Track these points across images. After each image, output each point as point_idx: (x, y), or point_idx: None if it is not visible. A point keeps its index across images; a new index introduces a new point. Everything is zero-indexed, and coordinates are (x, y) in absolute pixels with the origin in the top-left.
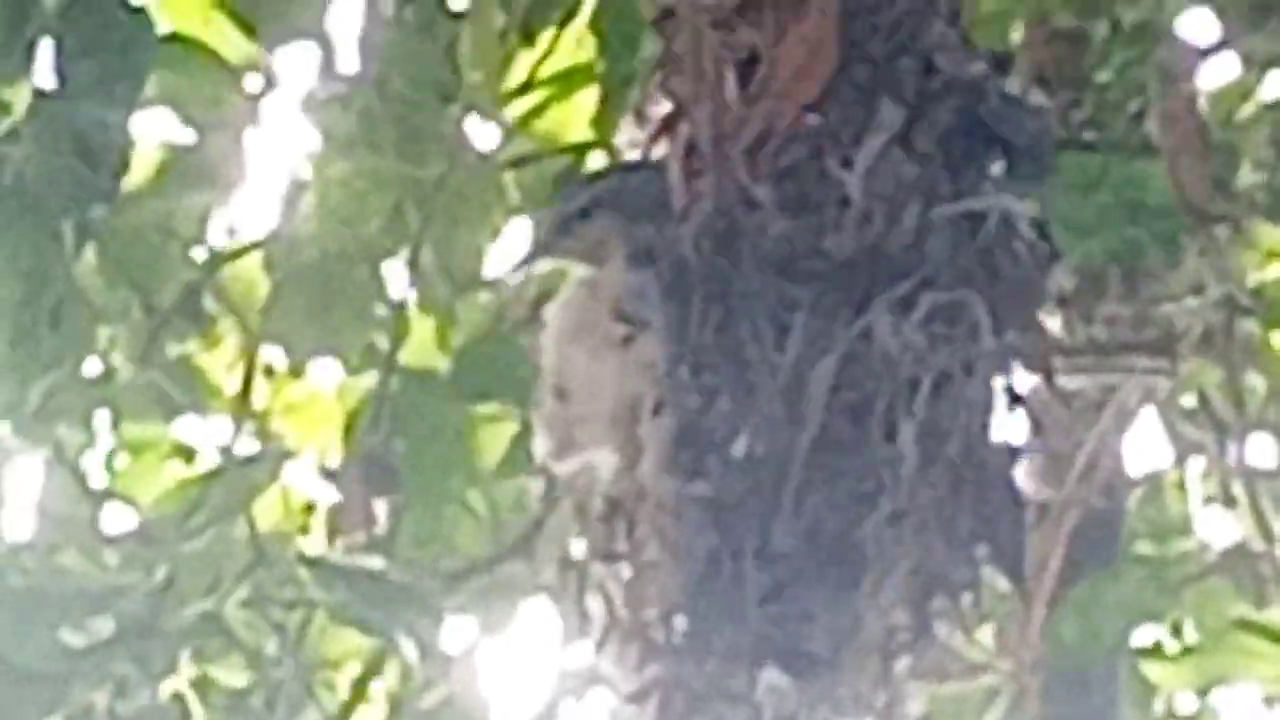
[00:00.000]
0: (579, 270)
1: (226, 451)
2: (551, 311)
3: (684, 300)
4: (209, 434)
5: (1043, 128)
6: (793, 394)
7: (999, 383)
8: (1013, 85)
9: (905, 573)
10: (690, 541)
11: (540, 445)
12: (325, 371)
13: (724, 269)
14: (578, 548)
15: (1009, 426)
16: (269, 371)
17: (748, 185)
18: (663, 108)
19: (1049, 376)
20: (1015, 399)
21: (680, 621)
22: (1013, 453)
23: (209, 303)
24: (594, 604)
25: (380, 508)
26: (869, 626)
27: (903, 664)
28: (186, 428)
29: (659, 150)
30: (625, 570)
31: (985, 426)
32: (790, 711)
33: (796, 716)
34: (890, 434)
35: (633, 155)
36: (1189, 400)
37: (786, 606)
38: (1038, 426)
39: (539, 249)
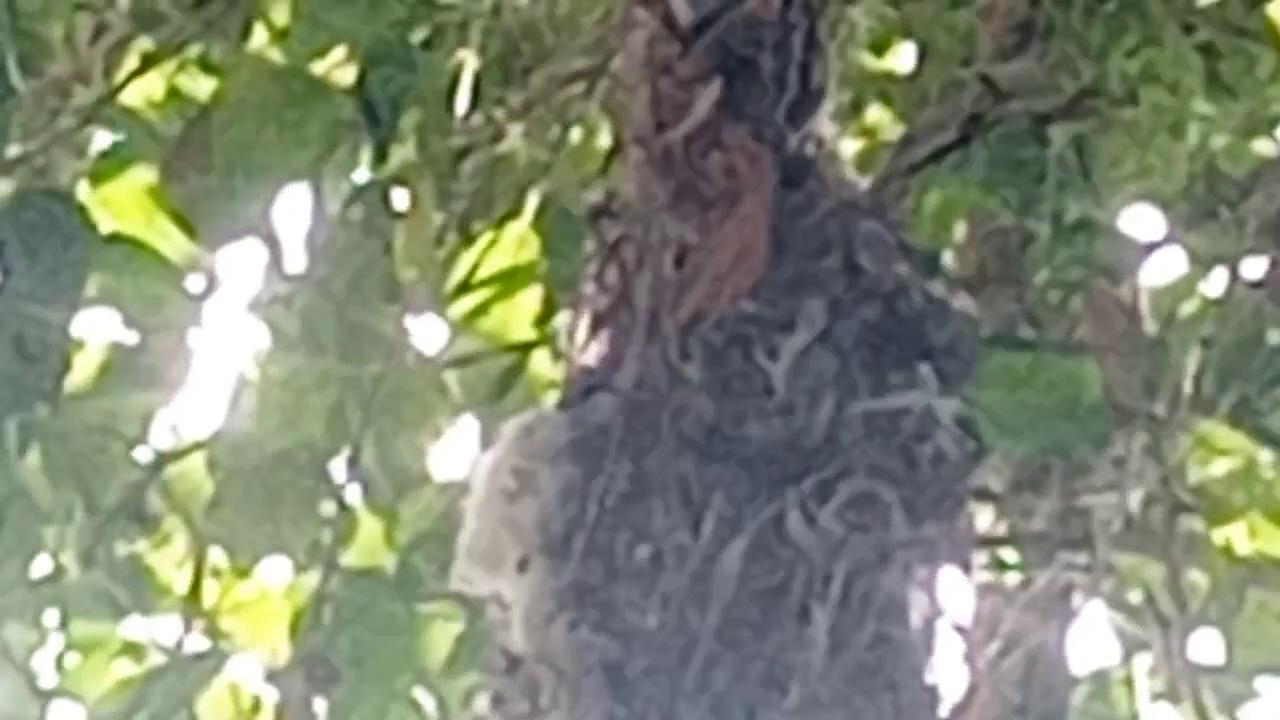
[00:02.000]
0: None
1: (173, 650)
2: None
3: (594, 465)
4: (159, 633)
5: (965, 331)
6: (703, 576)
7: (916, 574)
8: (937, 288)
9: None
10: (590, 711)
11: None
12: (274, 570)
13: (642, 440)
14: (482, 703)
15: (925, 619)
16: (218, 571)
17: (677, 363)
18: (597, 301)
19: (966, 569)
20: (933, 593)
21: None
22: (926, 644)
23: (155, 502)
24: None
25: (321, 706)
26: None
27: None
28: (136, 627)
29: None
30: None
31: (899, 618)
32: None
33: None
34: (802, 621)
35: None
36: (1135, 597)
37: None
38: (955, 619)
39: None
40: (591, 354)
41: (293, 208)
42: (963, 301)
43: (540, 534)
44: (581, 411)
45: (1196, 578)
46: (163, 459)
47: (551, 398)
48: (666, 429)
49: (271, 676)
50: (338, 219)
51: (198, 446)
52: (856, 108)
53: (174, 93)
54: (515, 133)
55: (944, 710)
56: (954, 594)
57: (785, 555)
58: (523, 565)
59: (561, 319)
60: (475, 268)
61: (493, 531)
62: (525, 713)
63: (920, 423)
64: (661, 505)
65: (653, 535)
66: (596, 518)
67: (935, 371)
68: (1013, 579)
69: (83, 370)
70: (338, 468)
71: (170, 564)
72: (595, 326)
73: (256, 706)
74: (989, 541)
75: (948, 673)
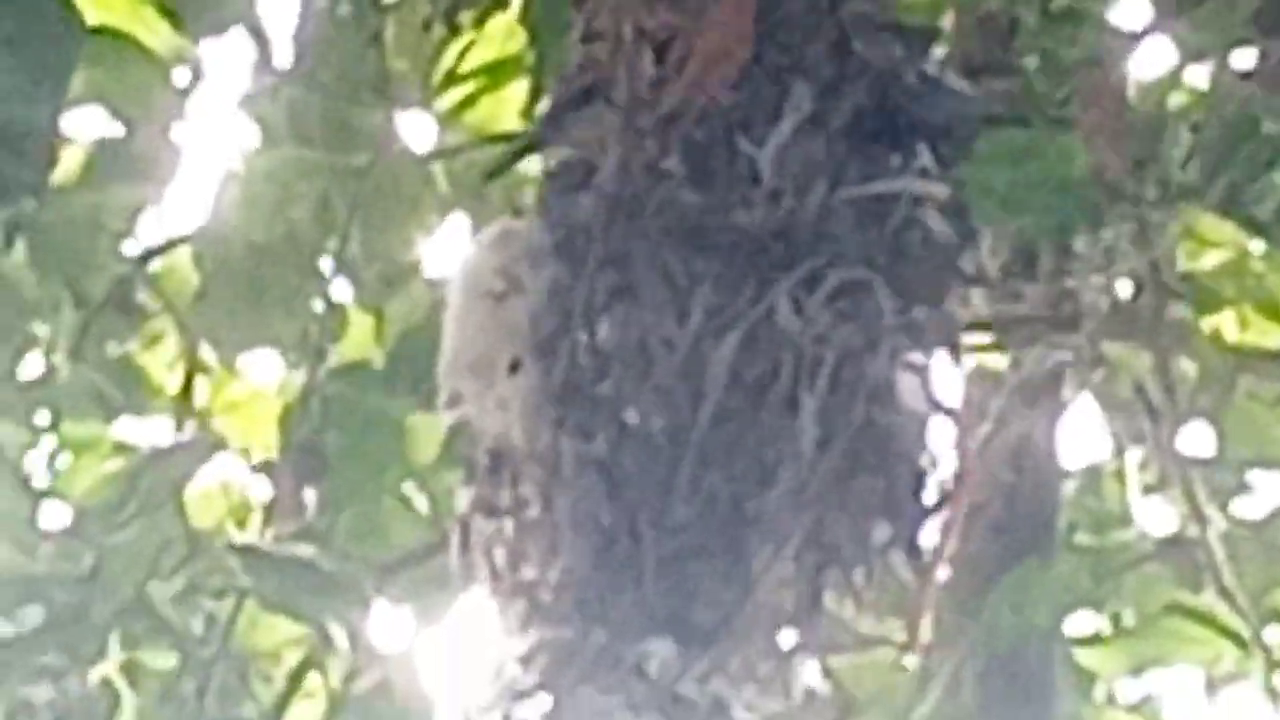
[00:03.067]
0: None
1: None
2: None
3: (578, 263)
4: (150, 433)
5: (962, 108)
6: (692, 367)
7: (905, 359)
8: (932, 67)
9: (798, 546)
10: (582, 507)
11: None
12: (265, 368)
13: (625, 235)
14: (463, 500)
15: (914, 403)
16: (209, 370)
17: (656, 156)
18: (577, 83)
19: (955, 353)
20: (925, 377)
21: (571, 589)
22: (917, 429)
23: (145, 298)
24: (479, 559)
25: (310, 497)
26: (759, 598)
27: (790, 635)
28: (129, 427)
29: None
30: (509, 526)
31: (888, 403)
32: (680, 681)
33: (686, 687)
34: (791, 410)
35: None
36: (1126, 390)
37: (679, 578)
38: (945, 403)
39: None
40: (570, 144)
41: (280, 2)
42: (957, 80)
43: (532, 333)
44: (562, 210)
45: (1186, 367)
46: (149, 253)
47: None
48: (649, 223)
49: (260, 469)
50: (326, 12)
51: (183, 240)
52: None
53: None
54: None
55: (934, 493)
56: (943, 378)
57: (773, 345)
58: (515, 366)
59: (543, 106)
60: (461, 58)
61: (482, 336)
62: (508, 508)
63: (910, 207)
64: (648, 299)
65: (641, 329)
66: (584, 316)
67: (932, 149)
68: (1002, 363)
69: (69, 164)
70: (326, 262)
71: (161, 365)
72: (574, 114)
73: (247, 502)
74: (976, 325)
75: (938, 456)
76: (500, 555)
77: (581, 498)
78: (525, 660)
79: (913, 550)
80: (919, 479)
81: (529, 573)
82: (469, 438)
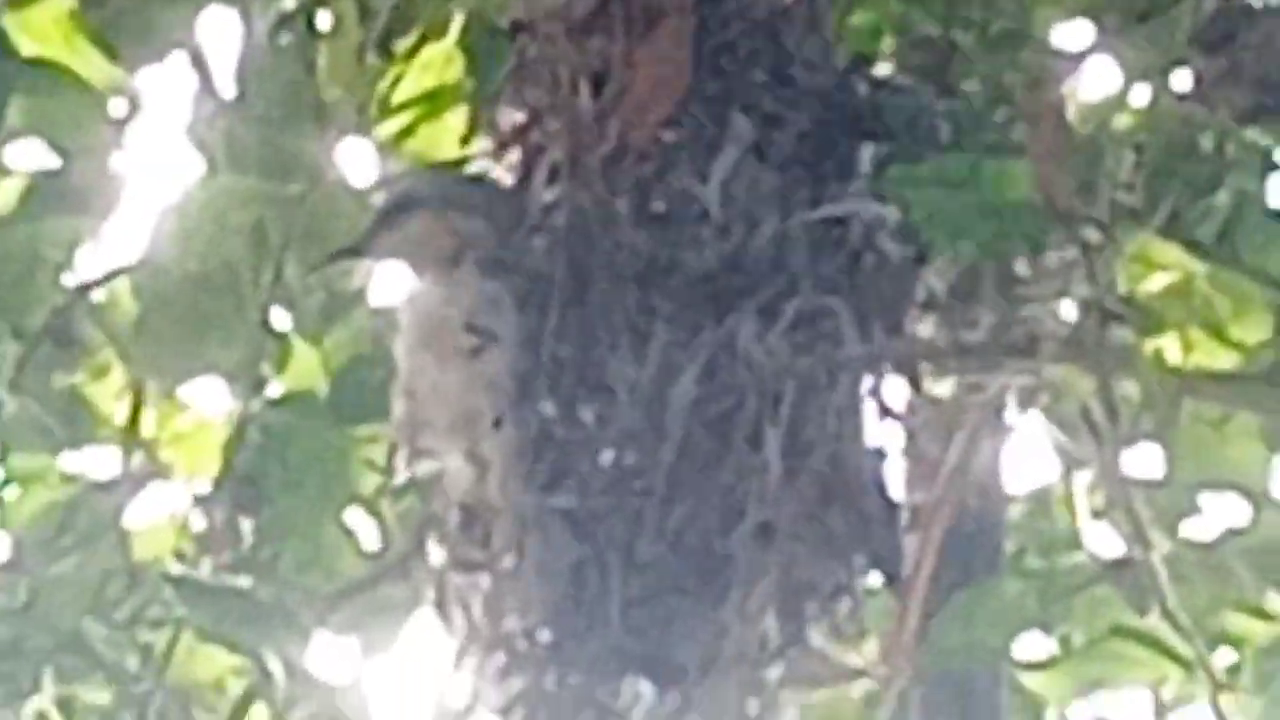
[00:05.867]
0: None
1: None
2: (402, 313)
3: (540, 313)
4: (98, 464)
5: (919, 105)
6: (654, 406)
7: (866, 387)
8: (881, 71)
9: (775, 581)
10: (552, 553)
11: (397, 449)
12: (212, 399)
13: (581, 281)
14: (437, 556)
15: (878, 431)
16: (156, 401)
17: (606, 198)
18: (514, 117)
19: (915, 380)
20: (883, 403)
21: (544, 634)
22: (882, 457)
23: (89, 330)
24: (456, 614)
25: (246, 527)
26: (737, 635)
27: (775, 671)
28: (76, 459)
29: (509, 159)
30: (484, 580)
31: (853, 432)
32: None
33: None
34: (755, 443)
35: (483, 164)
36: (1072, 413)
37: (652, 616)
38: (907, 431)
39: (356, 248)
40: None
41: (216, 31)
42: (905, 81)
43: (513, 388)
44: (515, 258)
45: (1131, 390)
46: (87, 284)
47: None
48: (604, 266)
49: (198, 501)
50: (265, 39)
51: (123, 271)
52: None
53: None
54: None
55: (903, 520)
56: (902, 406)
57: (735, 378)
58: (498, 422)
59: (480, 143)
60: (395, 85)
61: (462, 394)
62: (482, 562)
63: (863, 232)
64: (609, 343)
65: (605, 374)
66: (551, 365)
67: (895, 155)
68: (955, 389)
69: (5, 196)
70: (265, 292)
71: (109, 396)
72: (514, 152)
73: (187, 532)
74: (932, 352)
75: (904, 485)
76: (477, 609)
77: (548, 544)
78: (504, 712)
79: (892, 578)
80: (890, 507)
81: (507, 625)
82: (437, 493)
